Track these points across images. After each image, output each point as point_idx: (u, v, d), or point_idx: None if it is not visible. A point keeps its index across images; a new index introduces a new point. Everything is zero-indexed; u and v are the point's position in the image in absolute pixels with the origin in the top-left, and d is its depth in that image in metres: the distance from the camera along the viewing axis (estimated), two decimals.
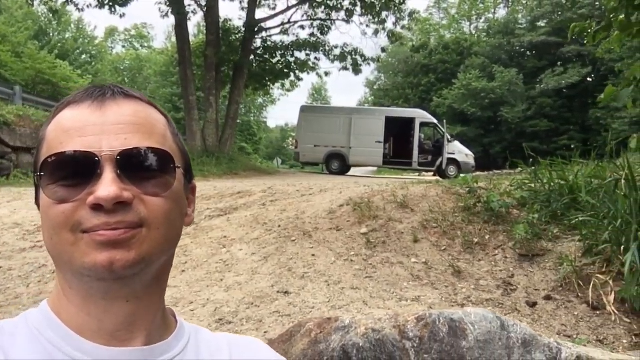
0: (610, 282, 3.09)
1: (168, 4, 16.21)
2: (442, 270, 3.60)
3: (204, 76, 16.35)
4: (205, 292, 3.32)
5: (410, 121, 19.09)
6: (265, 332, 2.66)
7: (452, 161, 18.31)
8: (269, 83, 20.89)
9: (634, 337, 2.73)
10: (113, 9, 14.79)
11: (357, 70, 18.68)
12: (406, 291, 3.30)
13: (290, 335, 1.99)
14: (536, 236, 3.76)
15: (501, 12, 48.67)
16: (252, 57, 18.07)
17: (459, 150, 18.67)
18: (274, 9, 18.67)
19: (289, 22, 18.52)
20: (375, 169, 23.14)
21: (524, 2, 44.53)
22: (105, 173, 0.62)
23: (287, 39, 18.74)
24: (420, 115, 19.58)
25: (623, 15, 3.73)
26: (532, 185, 4.48)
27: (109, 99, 0.67)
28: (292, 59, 19.14)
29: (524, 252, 3.69)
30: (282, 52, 18.96)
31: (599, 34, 3.96)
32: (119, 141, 0.64)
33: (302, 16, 18.65)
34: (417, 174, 19.04)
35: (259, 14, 18.70)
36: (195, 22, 41.42)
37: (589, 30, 4.01)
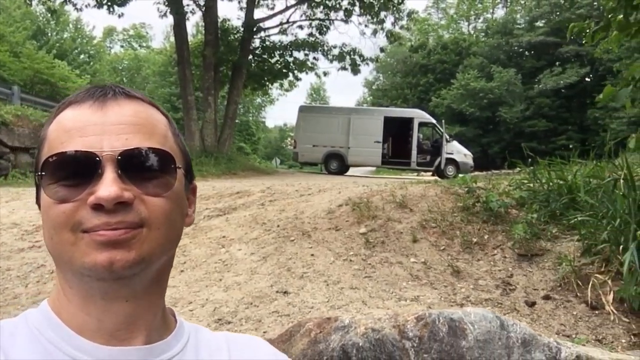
0: (609, 281, 3.09)
1: (166, 3, 16.21)
2: (441, 270, 3.60)
3: (202, 76, 16.34)
4: (204, 292, 3.32)
5: (408, 121, 19.11)
6: (264, 332, 2.65)
7: (451, 161, 18.33)
8: (267, 83, 20.90)
9: (632, 337, 2.74)
10: (111, 9, 14.79)
11: (355, 70, 18.69)
12: (405, 291, 3.30)
13: (289, 335, 1.99)
14: (535, 236, 3.76)
15: (499, 12, 48.80)
16: (250, 57, 18.07)
17: (457, 150, 18.69)
18: (272, 8, 18.69)
19: (287, 22, 18.54)
20: (373, 169, 23.15)
21: (522, 2, 44.59)
22: (106, 173, 0.62)
23: (286, 39, 18.78)
24: (419, 115, 19.59)
25: (622, 15, 3.73)
26: (531, 185, 4.49)
27: (110, 99, 0.67)
28: (290, 59, 19.15)
29: (522, 251, 3.69)
30: (281, 52, 18.96)
31: (597, 34, 3.96)
32: (120, 141, 0.64)
33: (301, 16, 18.69)
34: (415, 173, 19.05)
35: (258, 13, 18.77)
36: (194, 22, 41.49)
37: (588, 30, 4.02)
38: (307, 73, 20.15)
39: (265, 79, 20.12)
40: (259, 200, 5.59)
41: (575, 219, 3.64)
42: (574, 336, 2.74)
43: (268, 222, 4.64)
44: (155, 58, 44.77)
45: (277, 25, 18.50)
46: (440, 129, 18.87)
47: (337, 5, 17.84)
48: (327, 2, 17.77)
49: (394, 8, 17.39)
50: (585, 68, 33.40)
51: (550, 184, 4.27)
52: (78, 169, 0.62)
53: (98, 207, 0.61)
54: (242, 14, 17.93)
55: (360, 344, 1.79)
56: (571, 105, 34.49)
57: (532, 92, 34.95)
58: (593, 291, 3.07)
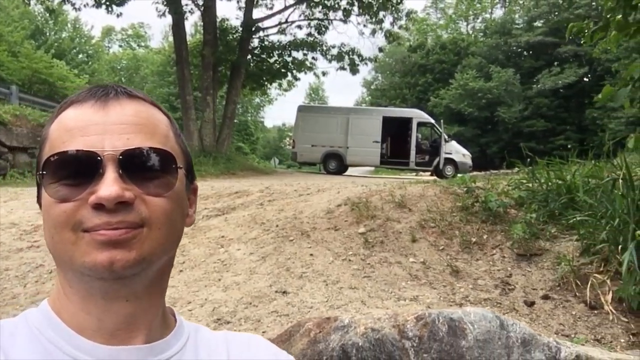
0: (608, 281, 3.10)
1: (165, 3, 16.20)
2: (440, 270, 3.60)
3: (201, 76, 16.33)
4: (203, 292, 3.32)
5: (407, 121, 19.11)
6: (263, 332, 2.65)
7: (450, 161, 18.35)
8: (266, 83, 20.88)
9: (631, 336, 2.74)
10: (110, 9, 14.76)
11: (354, 70, 18.68)
12: (404, 291, 3.30)
13: (289, 335, 1.99)
14: (534, 236, 3.77)
15: (498, 12, 48.81)
16: (249, 56, 18.05)
17: (456, 150, 18.70)
18: (271, 8, 18.67)
19: (286, 21, 18.53)
20: (372, 168, 23.16)
21: (521, 2, 44.62)
22: (107, 173, 0.62)
23: (285, 39, 18.76)
24: (418, 115, 19.60)
25: (620, 15, 3.73)
26: (530, 185, 4.49)
27: (112, 99, 0.67)
28: (289, 59, 19.14)
29: (521, 251, 3.70)
30: (280, 51, 18.95)
31: (596, 34, 3.96)
32: (122, 141, 0.64)
33: (300, 16, 18.67)
34: (414, 173, 19.06)
35: (256, 13, 18.69)
36: (193, 21, 41.39)
37: (587, 30, 4.02)
38: (305, 73, 20.15)
39: (264, 78, 20.11)
40: (258, 200, 5.59)
41: (574, 219, 3.65)
42: (572, 336, 2.74)
43: (267, 222, 4.64)
44: (153, 58, 44.72)
45: (275, 25, 18.51)
46: (439, 128, 18.88)
47: (336, 5, 17.84)
48: (325, 1, 17.76)
49: (393, 8, 17.40)
50: (584, 68, 33.44)
51: (549, 183, 4.27)
52: (79, 169, 0.62)
53: (99, 207, 0.61)
54: (241, 14, 17.95)
55: (360, 344, 1.79)
56: (569, 105, 34.54)
57: (531, 92, 34.99)
58: (592, 291, 3.07)
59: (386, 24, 18.01)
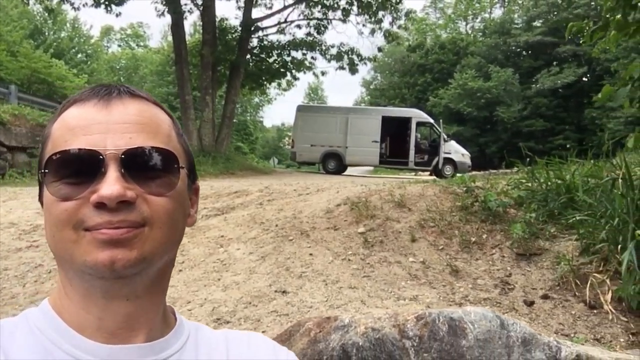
0: (608, 281, 3.10)
1: (164, 3, 16.19)
2: (439, 270, 3.60)
3: (200, 75, 16.32)
4: (202, 292, 3.31)
5: (406, 121, 19.12)
6: (263, 332, 2.65)
7: (449, 161, 18.36)
8: (265, 82, 20.89)
9: (631, 336, 2.74)
10: (109, 8, 14.74)
11: (353, 69, 18.68)
12: (404, 290, 3.30)
13: (289, 334, 1.98)
14: (533, 235, 3.77)
15: (497, 12, 48.85)
16: (248, 56, 18.05)
17: (455, 150, 18.71)
18: (270, 8, 18.69)
19: (285, 21, 18.52)
20: (371, 168, 23.16)
21: (520, 2, 44.64)
22: (109, 172, 0.62)
23: (284, 38, 18.77)
24: (417, 114, 19.60)
25: (620, 15, 3.73)
26: (529, 184, 4.49)
27: (115, 98, 0.67)
28: (288, 59, 19.14)
29: (521, 251, 3.70)
30: (279, 51, 18.95)
31: (596, 34, 3.96)
32: (124, 140, 0.64)
33: (299, 15, 18.68)
34: (413, 173, 19.07)
35: (256, 13, 18.69)
36: (192, 21, 41.34)
37: (587, 30, 4.02)
38: (304, 72, 20.15)
39: (263, 78, 20.11)
40: (257, 200, 5.59)
41: (574, 219, 3.65)
42: (572, 335, 2.74)
43: (266, 221, 4.64)
44: (152, 57, 44.70)
45: (275, 25, 18.51)
46: (438, 128, 18.89)
47: (335, 5, 17.84)
48: (325, 1, 17.76)
49: (392, 8, 17.40)
50: (583, 68, 33.47)
51: (549, 183, 4.27)
52: (81, 167, 0.62)
53: (100, 206, 0.61)
54: (240, 14, 17.95)
55: (361, 344, 1.79)
56: (568, 105, 34.58)
57: (530, 92, 35.02)
58: (591, 290, 3.07)
59: (385, 24, 18.04)
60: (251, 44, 18.15)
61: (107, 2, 14.57)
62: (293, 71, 19.84)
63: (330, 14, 18.28)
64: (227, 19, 18.64)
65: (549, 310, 3.05)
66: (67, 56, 37.66)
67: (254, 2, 17.73)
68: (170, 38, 23.81)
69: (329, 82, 45.91)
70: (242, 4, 17.86)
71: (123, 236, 0.61)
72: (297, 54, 18.97)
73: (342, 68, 18.65)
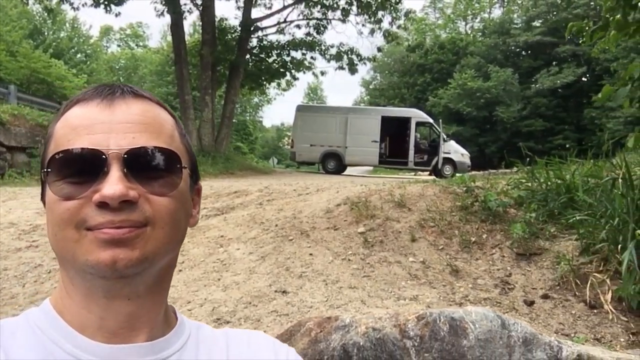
0: (608, 280, 3.10)
1: (164, 3, 16.20)
2: (439, 270, 3.60)
3: (199, 75, 16.33)
4: (202, 292, 3.31)
5: (406, 121, 19.13)
6: (263, 332, 2.65)
7: (448, 160, 18.37)
8: (264, 82, 20.90)
9: (631, 336, 2.74)
10: (108, 8, 14.75)
11: (353, 69, 18.70)
12: (404, 290, 3.29)
13: (289, 334, 1.98)
14: (533, 235, 3.77)
15: (496, 12, 48.88)
16: (248, 56, 18.06)
17: (454, 150, 18.72)
18: (270, 8, 18.69)
19: (285, 21, 18.53)
20: (371, 168, 23.17)
21: (520, 2, 44.67)
22: (112, 171, 0.62)
23: (283, 38, 18.79)
24: (416, 114, 19.62)
25: (620, 15, 3.73)
26: (529, 184, 4.49)
27: (118, 98, 0.67)
28: (288, 59, 19.16)
29: (521, 251, 3.69)
30: (278, 51, 18.97)
31: (596, 34, 3.96)
32: (127, 140, 0.64)
33: (298, 15, 18.70)
34: (413, 173, 19.08)
35: (255, 13, 18.72)
36: (191, 21, 41.36)
37: (587, 30, 4.02)
38: (304, 72, 20.18)
39: (263, 78, 20.12)
40: (257, 200, 5.59)
41: (574, 218, 3.65)
42: (572, 335, 2.74)
43: (266, 221, 4.64)
44: (152, 57, 44.68)
45: (274, 25, 18.53)
46: (438, 128, 18.90)
47: (335, 5, 17.85)
48: (324, 1, 17.77)
49: (392, 7, 17.41)
50: (582, 68, 33.50)
51: (549, 183, 4.27)
52: (84, 167, 0.62)
53: (103, 205, 0.61)
54: (240, 14, 17.94)
55: (361, 344, 1.79)
56: (568, 105, 34.60)
57: (529, 92, 35.04)
58: (592, 290, 3.07)
59: (385, 24, 18.06)
60: (251, 44, 18.16)
61: (106, 2, 14.58)
62: (292, 71, 19.85)
63: (330, 14, 18.31)
64: (226, 19, 18.69)
65: (549, 310, 3.05)
66: (67, 56, 37.66)
67: (253, 2, 17.73)
68: (169, 38, 23.83)
69: (328, 82, 45.95)
70: (241, 4, 17.88)
71: (125, 236, 0.61)
72: (297, 54, 19.03)
73: (341, 68, 18.67)
